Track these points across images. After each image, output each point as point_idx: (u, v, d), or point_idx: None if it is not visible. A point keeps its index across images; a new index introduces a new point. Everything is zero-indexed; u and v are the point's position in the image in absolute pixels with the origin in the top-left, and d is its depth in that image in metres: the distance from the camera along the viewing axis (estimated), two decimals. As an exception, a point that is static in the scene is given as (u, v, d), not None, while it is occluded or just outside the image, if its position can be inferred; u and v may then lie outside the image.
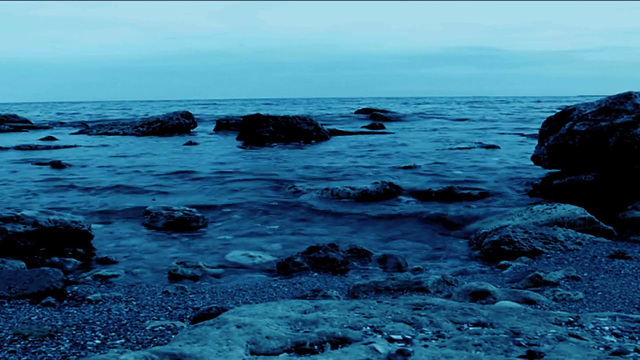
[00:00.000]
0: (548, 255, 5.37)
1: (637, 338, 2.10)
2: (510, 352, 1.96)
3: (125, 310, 3.89)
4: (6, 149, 16.01)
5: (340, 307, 2.44)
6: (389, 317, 2.32)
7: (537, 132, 10.29)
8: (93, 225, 6.31)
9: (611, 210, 6.94)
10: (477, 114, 36.58)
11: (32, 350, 3.00)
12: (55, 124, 30.33)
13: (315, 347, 2.08)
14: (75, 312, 3.84)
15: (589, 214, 6.29)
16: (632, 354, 1.91)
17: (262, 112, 20.07)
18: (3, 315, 3.71)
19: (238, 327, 2.17)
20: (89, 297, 4.27)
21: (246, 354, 2.01)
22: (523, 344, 2.02)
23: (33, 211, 5.93)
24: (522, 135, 20.09)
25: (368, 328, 2.20)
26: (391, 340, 2.07)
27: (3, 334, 3.27)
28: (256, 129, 18.22)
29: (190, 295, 4.38)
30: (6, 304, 3.98)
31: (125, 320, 3.62)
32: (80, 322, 3.56)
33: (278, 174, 11.19)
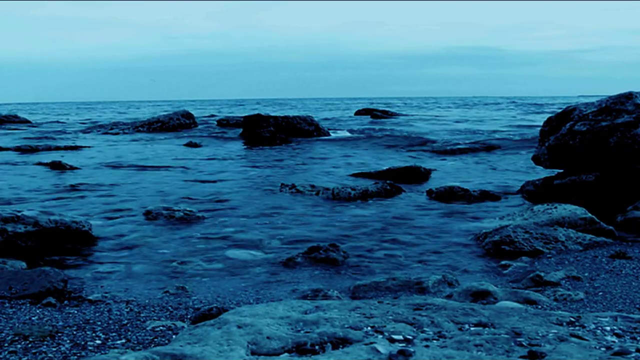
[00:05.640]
0: (549, 255, 5.37)
1: (638, 338, 2.10)
2: (512, 352, 1.96)
3: (126, 310, 3.89)
4: (7, 149, 16.00)
5: (341, 308, 2.44)
6: (390, 317, 2.32)
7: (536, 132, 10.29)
8: (94, 225, 6.30)
9: (612, 210, 6.94)
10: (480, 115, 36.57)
11: (33, 351, 3.00)
12: (55, 124, 30.33)
13: (316, 347, 2.08)
14: (75, 312, 3.84)
15: (589, 214, 6.29)
16: (633, 354, 1.91)
17: (262, 112, 20.06)
18: (4, 316, 3.71)
19: (239, 327, 2.17)
20: (90, 297, 4.27)
21: (247, 355, 2.01)
22: (524, 344, 2.02)
23: (34, 211, 5.93)
24: (522, 136, 20.06)
25: (369, 328, 2.20)
26: (392, 341, 2.07)
27: (4, 335, 3.27)
28: (257, 129, 18.22)
29: (191, 295, 4.37)
30: (7, 304, 3.98)
31: (126, 321, 3.62)
32: (81, 322, 3.56)
33: (278, 173, 11.20)
